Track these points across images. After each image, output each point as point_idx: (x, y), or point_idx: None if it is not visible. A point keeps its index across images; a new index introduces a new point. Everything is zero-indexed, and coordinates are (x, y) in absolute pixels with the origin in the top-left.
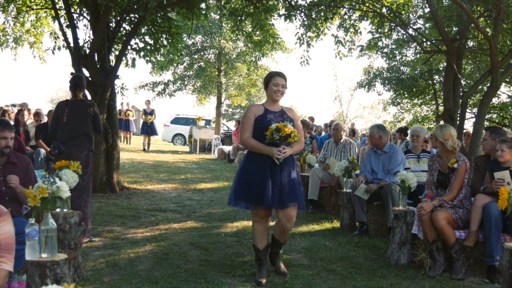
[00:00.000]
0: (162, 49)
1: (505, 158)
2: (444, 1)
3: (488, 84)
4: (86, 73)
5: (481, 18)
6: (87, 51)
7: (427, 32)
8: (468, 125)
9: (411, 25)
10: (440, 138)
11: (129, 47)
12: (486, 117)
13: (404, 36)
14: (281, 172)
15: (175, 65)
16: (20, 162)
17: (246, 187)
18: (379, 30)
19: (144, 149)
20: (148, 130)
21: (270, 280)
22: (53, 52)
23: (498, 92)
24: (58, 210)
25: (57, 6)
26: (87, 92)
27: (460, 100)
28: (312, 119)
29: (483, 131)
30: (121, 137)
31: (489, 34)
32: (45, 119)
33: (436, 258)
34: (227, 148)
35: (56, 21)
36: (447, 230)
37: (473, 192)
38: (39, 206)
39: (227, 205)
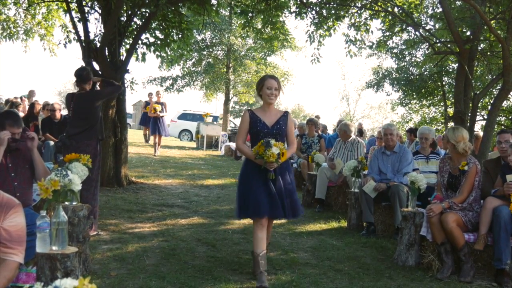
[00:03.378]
0: (172, 44)
1: None
2: (457, 2)
3: (499, 87)
4: (96, 66)
5: (493, 20)
6: (98, 44)
7: (438, 32)
8: (476, 128)
9: (423, 26)
10: (452, 140)
11: (139, 42)
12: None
13: (415, 36)
14: None
15: (184, 59)
16: (22, 146)
17: None
18: (390, 29)
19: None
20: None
21: (277, 278)
22: (65, 46)
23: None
24: (67, 203)
25: None
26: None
27: (471, 102)
28: (317, 117)
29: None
30: (146, 136)
31: (501, 36)
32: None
33: (444, 260)
34: (234, 145)
35: (67, 14)
36: (457, 233)
37: (483, 196)
38: (51, 199)
39: None
